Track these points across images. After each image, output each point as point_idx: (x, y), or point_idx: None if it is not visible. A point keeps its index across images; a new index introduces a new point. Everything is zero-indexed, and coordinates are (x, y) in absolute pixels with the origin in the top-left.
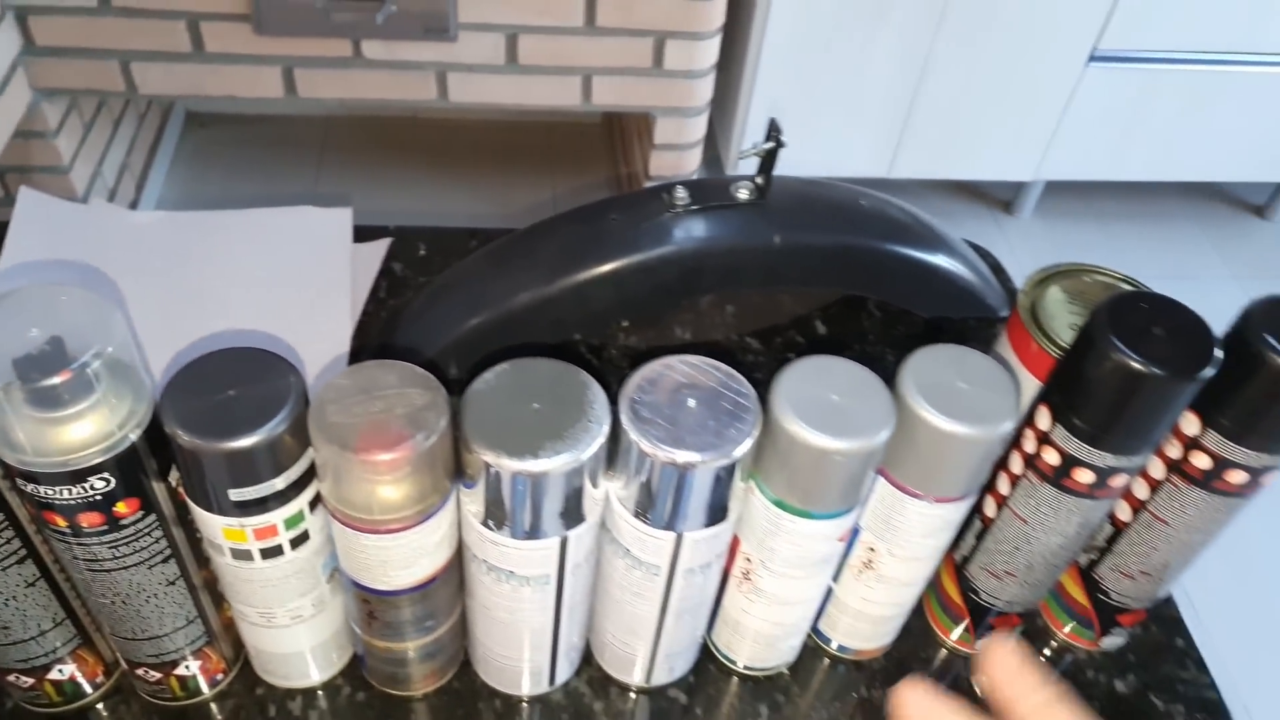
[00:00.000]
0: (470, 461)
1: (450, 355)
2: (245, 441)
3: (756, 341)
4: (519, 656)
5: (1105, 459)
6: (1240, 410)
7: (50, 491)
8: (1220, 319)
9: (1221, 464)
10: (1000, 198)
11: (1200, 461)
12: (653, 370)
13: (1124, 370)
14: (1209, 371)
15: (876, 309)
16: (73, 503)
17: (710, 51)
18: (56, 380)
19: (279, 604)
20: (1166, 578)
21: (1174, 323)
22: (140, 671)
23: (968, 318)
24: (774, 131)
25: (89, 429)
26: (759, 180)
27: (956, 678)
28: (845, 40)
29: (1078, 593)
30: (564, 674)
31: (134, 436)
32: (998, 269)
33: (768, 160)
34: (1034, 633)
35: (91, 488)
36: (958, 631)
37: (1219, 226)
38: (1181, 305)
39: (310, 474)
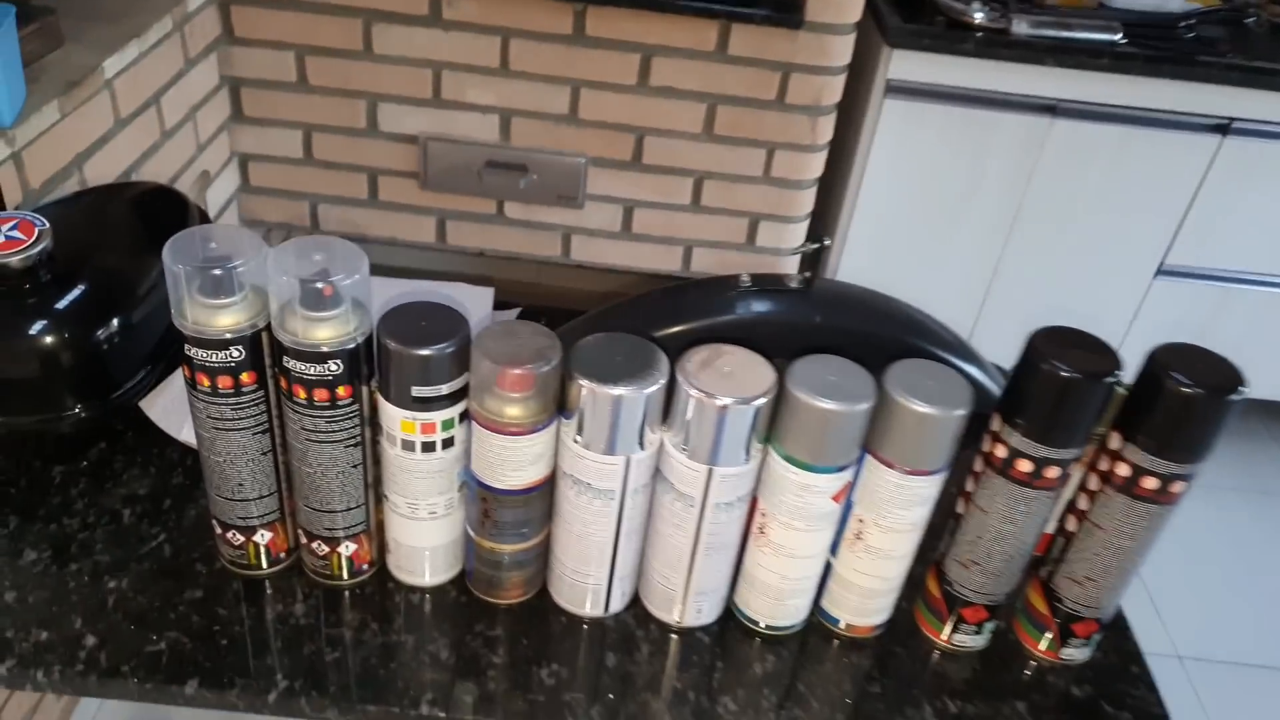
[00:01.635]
0: (571, 392)
1: None
2: (429, 350)
3: None
4: (586, 573)
5: (1039, 450)
6: (1152, 427)
7: (303, 367)
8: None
9: (1138, 472)
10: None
11: (1122, 470)
12: (704, 349)
13: (1051, 376)
14: (1110, 379)
15: None
16: (314, 379)
17: (799, 233)
18: (321, 287)
19: (423, 496)
20: (1109, 585)
21: (1089, 347)
22: (314, 545)
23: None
24: (820, 236)
25: (334, 329)
26: (807, 274)
27: (932, 665)
28: (923, 238)
29: (1040, 604)
30: (617, 603)
31: (360, 339)
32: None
33: (814, 257)
34: (1006, 646)
35: (328, 370)
36: (945, 630)
37: None
38: (1092, 335)
39: (463, 393)
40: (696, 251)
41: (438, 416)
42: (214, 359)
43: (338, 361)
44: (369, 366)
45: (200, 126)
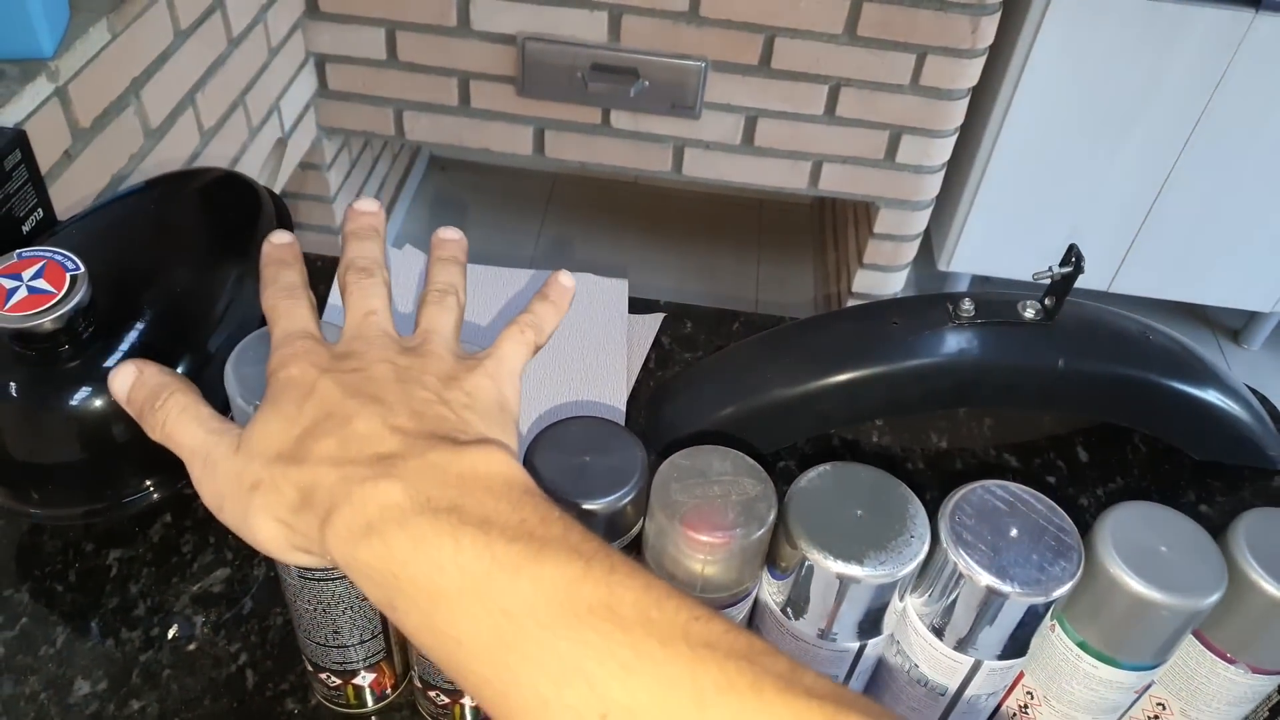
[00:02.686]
0: (785, 552)
1: (715, 431)
2: (597, 505)
3: (1014, 459)
4: None
5: None
6: None
7: None
8: None
9: None
10: (1229, 325)
11: None
12: (974, 493)
13: None
14: None
15: (1142, 443)
16: None
17: (945, 149)
18: None
19: None
20: None
21: None
22: (432, 694)
23: (1243, 465)
24: (1074, 257)
25: None
26: (1048, 302)
27: None
28: (1085, 148)
29: None
30: None
31: None
32: (1278, 417)
33: (1063, 284)
34: None
35: None
36: None
37: None
38: None
39: (636, 543)
40: (826, 168)
41: None
42: None
43: None
44: None
45: (271, 28)
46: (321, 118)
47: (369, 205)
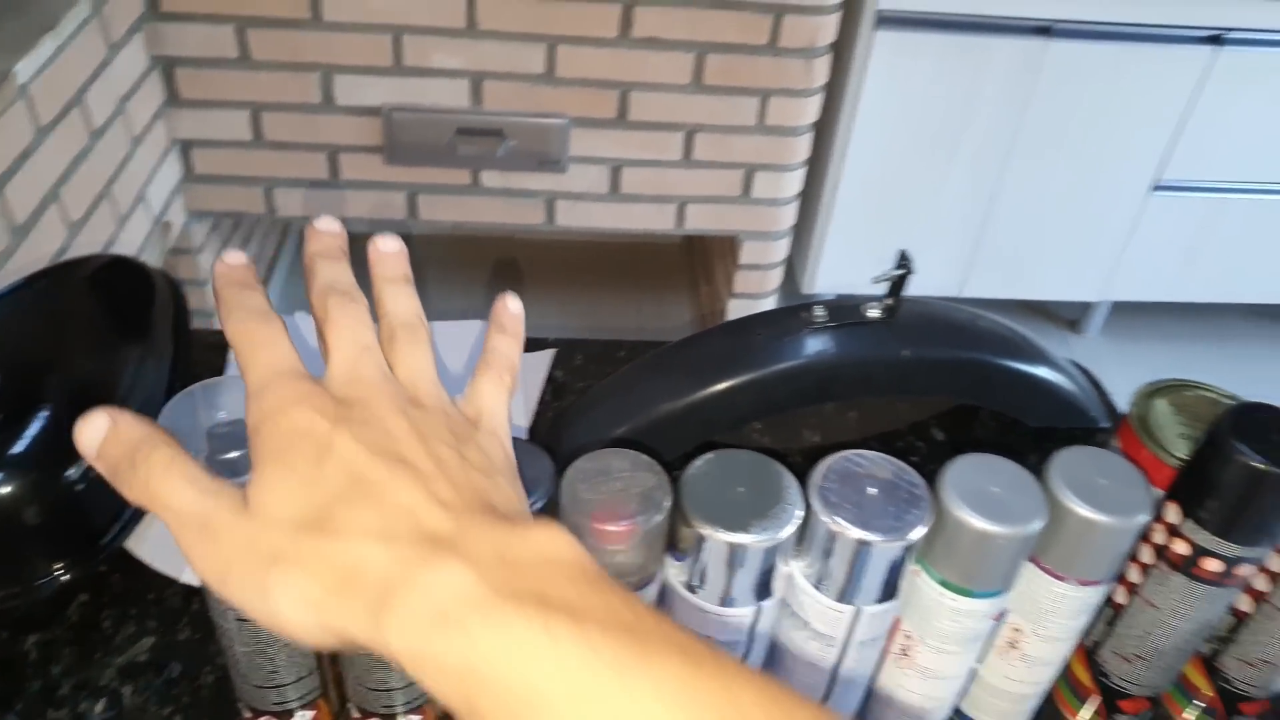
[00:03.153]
0: (684, 534)
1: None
2: None
3: (878, 444)
4: None
5: (1232, 550)
6: None
7: None
8: None
9: None
10: (1067, 317)
11: None
12: (837, 462)
13: (1249, 471)
14: None
15: (987, 418)
16: None
17: (795, 182)
18: None
19: None
20: None
21: None
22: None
23: (1072, 428)
24: (904, 260)
25: None
26: (889, 301)
27: None
28: (920, 170)
29: (1201, 682)
30: None
31: None
32: (1097, 385)
33: (897, 285)
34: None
35: None
36: (1085, 712)
37: None
38: None
39: None
40: (690, 208)
41: None
42: None
43: None
44: None
45: (132, 118)
46: (190, 202)
47: (331, 225)
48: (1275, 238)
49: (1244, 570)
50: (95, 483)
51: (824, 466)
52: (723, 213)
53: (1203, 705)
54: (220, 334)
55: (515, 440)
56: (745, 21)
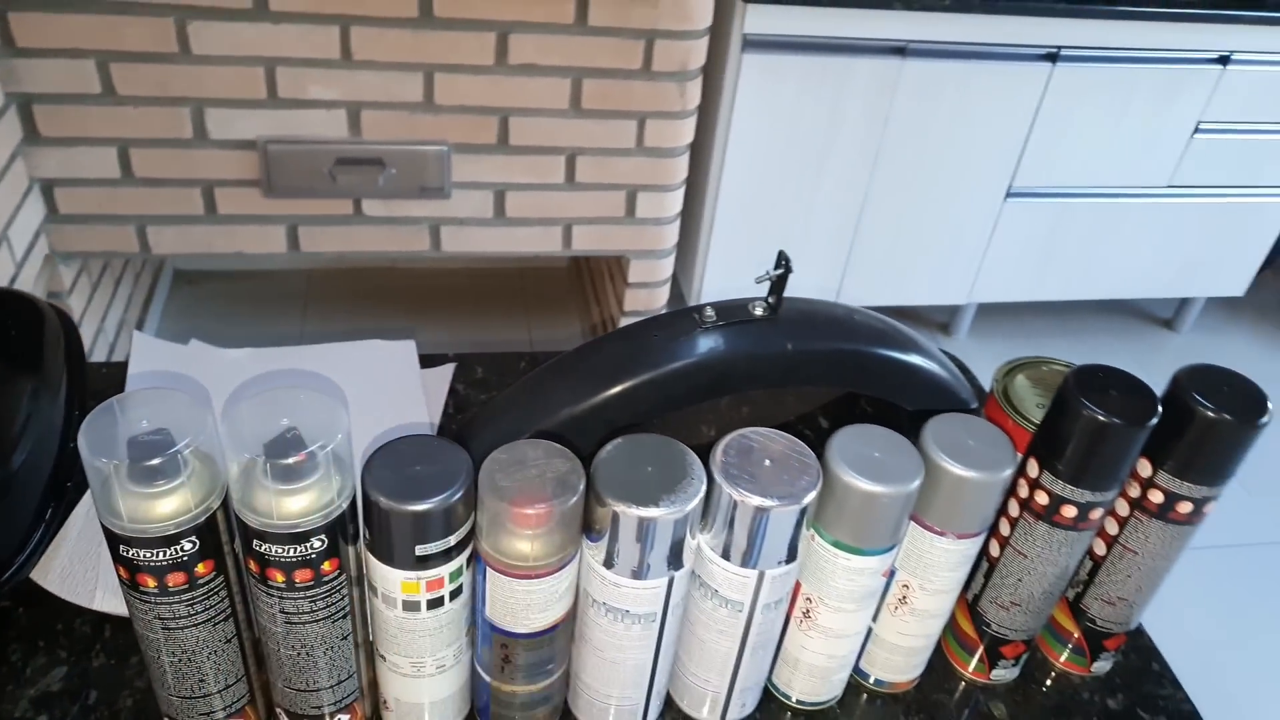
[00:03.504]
0: (598, 514)
1: None
2: (433, 503)
3: None
4: (620, 695)
5: (1085, 495)
6: (1181, 453)
7: (277, 550)
8: None
9: (1171, 498)
10: (938, 320)
11: (1155, 497)
12: (733, 440)
13: (1093, 423)
14: (1154, 421)
15: (868, 405)
16: (294, 560)
17: (676, 201)
18: (293, 461)
19: (430, 653)
20: (1139, 601)
21: (1124, 387)
22: None
23: (945, 408)
24: (784, 260)
25: (313, 498)
26: (771, 300)
27: (975, 704)
28: (793, 185)
29: (1069, 624)
30: (654, 714)
31: (344, 504)
32: (966, 370)
33: (779, 284)
34: (1035, 664)
35: (310, 548)
36: (973, 662)
37: (1134, 339)
38: (1128, 373)
39: (469, 538)
40: (576, 229)
41: (445, 570)
42: (161, 558)
43: (322, 537)
44: (354, 525)
45: None
46: (55, 243)
47: None
48: (1119, 238)
49: (1096, 514)
50: None
51: (723, 444)
52: (608, 233)
53: (1071, 645)
54: (113, 366)
55: (431, 438)
56: (618, 47)
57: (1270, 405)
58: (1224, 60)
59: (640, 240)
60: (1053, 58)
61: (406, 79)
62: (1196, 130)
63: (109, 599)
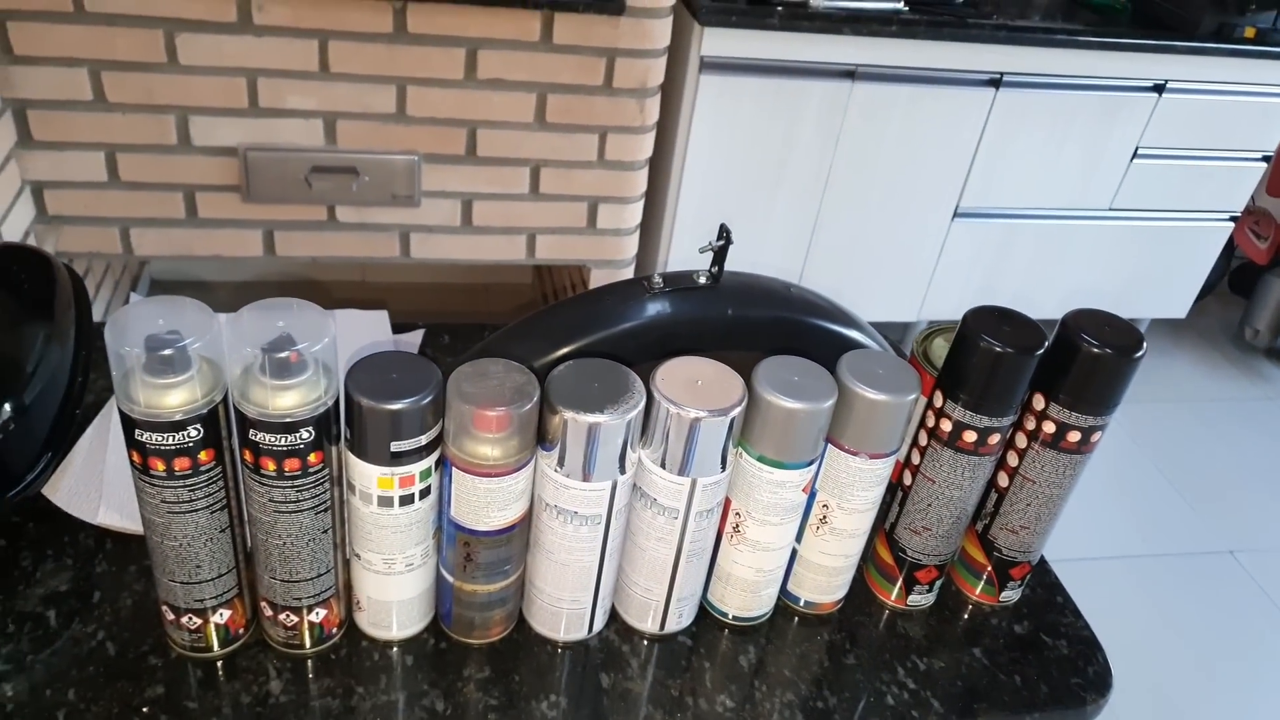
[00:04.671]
0: (552, 423)
1: None
2: (407, 403)
3: None
4: (570, 599)
5: (983, 420)
6: (1070, 386)
7: (273, 439)
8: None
9: (1062, 428)
10: (890, 337)
11: (1048, 428)
12: (671, 364)
13: (989, 353)
14: (1041, 350)
15: None
16: (284, 449)
17: (636, 213)
18: (286, 355)
19: (400, 550)
20: (1039, 530)
21: (1016, 324)
22: (281, 617)
23: None
24: (725, 232)
25: (302, 395)
26: (714, 270)
27: (894, 628)
28: (748, 204)
29: (980, 556)
30: (599, 622)
31: (330, 402)
32: (893, 343)
33: (720, 254)
34: (949, 596)
35: (299, 439)
36: (894, 591)
37: None
38: (1020, 313)
39: (438, 441)
40: (540, 239)
41: (416, 468)
42: (170, 441)
43: (309, 429)
44: (337, 426)
45: None
46: (44, 243)
47: None
48: (1064, 259)
49: (994, 440)
50: (12, 434)
51: (662, 367)
52: (570, 243)
53: (983, 577)
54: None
55: (407, 353)
56: (581, 64)
57: (1145, 344)
58: (1159, 89)
59: (601, 250)
60: (996, 83)
61: (380, 91)
62: (1135, 155)
63: (110, 514)
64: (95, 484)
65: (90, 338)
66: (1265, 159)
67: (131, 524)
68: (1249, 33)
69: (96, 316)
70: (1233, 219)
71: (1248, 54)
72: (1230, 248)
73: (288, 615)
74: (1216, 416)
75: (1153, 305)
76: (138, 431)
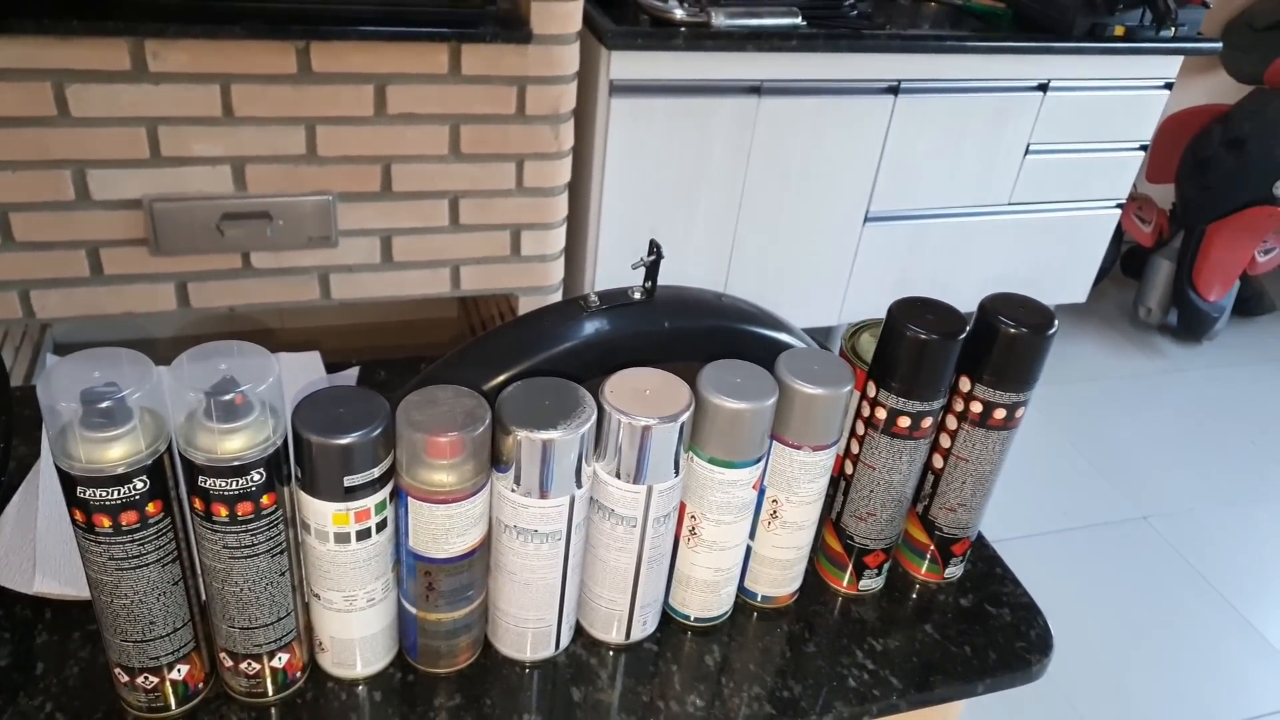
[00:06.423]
0: (505, 444)
1: None
2: (357, 436)
3: None
4: (536, 618)
5: (914, 405)
6: (991, 366)
7: (223, 483)
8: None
9: (989, 407)
10: (816, 339)
11: (976, 408)
12: (618, 376)
13: (915, 340)
14: (963, 335)
15: None
16: (235, 493)
17: (559, 238)
18: (231, 398)
19: (360, 585)
20: (975, 506)
21: (939, 312)
22: (242, 666)
23: None
24: (655, 247)
25: (250, 436)
26: (647, 285)
27: (848, 614)
28: (668, 220)
29: (922, 536)
30: (565, 638)
31: (279, 442)
32: (820, 344)
33: (653, 269)
34: (898, 578)
35: (250, 481)
36: (845, 577)
37: None
38: (942, 302)
39: (390, 473)
40: (464, 270)
41: (371, 501)
42: (114, 496)
43: (260, 470)
44: (287, 466)
45: None
46: None
47: None
48: (970, 253)
49: (927, 423)
50: None
51: (610, 380)
52: (495, 272)
53: (927, 556)
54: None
55: (352, 388)
56: (492, 94)
57: (1056, 320)
58: (1043, 88)
59: (527, 277)
60: (895, 90)
61: (289, 133)
62: (1028, 151)
63: (47, 581)
64: (28, 552)
65: (10, 403)
66: (1142, 148)
67: (71, 589)
68: (1119, 31)
69: None
70: (1119, 206)
71: (1119, 50)
72: (1120, 233)
73: (249, 664)
74: (1121, 392)
75: (1055, 292)
76: (79, 488)
